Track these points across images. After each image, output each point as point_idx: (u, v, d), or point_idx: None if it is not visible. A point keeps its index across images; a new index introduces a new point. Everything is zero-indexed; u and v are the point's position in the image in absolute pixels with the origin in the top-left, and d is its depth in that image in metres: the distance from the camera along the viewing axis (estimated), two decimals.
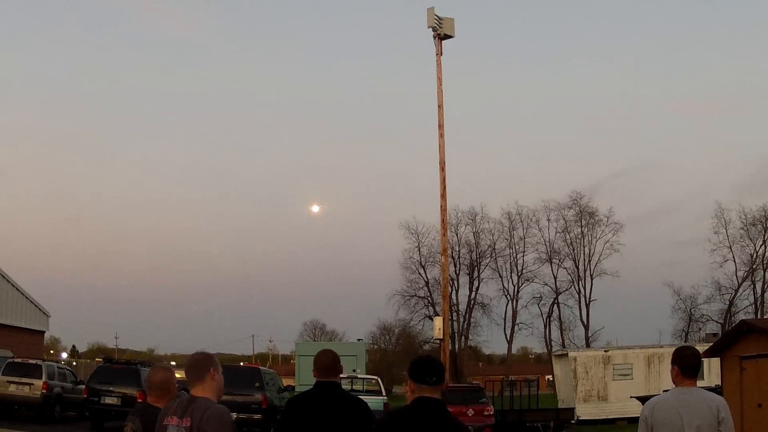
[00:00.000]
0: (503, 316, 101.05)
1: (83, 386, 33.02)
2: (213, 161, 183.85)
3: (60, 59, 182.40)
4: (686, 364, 7.27)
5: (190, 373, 5.85)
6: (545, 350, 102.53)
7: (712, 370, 40.98)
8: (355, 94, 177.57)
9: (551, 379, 79.68)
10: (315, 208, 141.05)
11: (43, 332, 62.18)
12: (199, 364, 5.86)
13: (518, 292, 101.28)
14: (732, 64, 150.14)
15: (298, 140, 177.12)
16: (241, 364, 61.80)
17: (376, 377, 45.38)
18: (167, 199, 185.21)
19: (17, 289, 55.63)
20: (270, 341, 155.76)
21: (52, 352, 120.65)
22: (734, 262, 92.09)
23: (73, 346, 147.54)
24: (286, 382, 42.96)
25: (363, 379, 43.21)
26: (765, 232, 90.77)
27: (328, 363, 7.22)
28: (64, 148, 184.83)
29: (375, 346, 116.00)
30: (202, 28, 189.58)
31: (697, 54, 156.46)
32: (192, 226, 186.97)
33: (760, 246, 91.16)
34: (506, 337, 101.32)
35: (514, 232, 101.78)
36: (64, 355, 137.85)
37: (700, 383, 7.54)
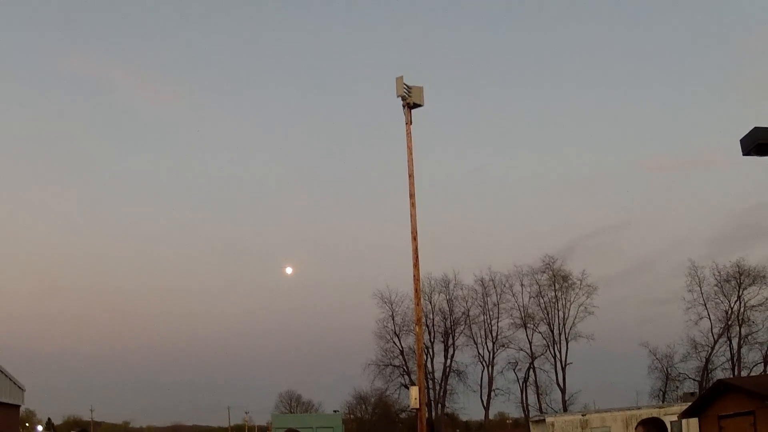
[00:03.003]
0: (479, 382, 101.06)
1: None
2: (186, 230, 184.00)
3: (34, 120, 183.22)
4: None
5: None
6: (522, 415, 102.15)
7: (690, 430, 41.02)
8: (328, 161, 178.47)
9: None
10: (288, 270, 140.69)
11: (19, 406, 61.24)
12: None
13: (494, 357, 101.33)
14: (701, 120, 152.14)
15: (272, 207, 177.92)
16: None
17: None
18: (141, 264, 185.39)
19: None
20: (246, 413, 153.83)
21: (27, 425, 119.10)
22: (709, 319, 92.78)
23: (49, 419, 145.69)
24: None
25: None
26: (739, 288, 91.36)
27: None
28: (36, 216, 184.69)
29: (351, 416, 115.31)
30: (174, 97, 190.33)
31: (665, 112, 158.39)
32: (166, 297, 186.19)
33: (735, 302, 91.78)
34: (483, 403, 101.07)
35: (488, 298, 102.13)
36: (40, 428, 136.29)
37: None
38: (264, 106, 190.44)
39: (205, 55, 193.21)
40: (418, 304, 34.07)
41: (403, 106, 34.82)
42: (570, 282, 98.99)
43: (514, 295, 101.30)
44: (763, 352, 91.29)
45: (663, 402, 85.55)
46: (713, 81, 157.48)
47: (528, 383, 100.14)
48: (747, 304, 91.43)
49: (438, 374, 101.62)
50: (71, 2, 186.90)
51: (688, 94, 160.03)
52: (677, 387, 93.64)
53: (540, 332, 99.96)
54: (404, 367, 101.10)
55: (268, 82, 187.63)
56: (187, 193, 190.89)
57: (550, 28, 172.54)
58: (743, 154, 14.97)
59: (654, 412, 53.19)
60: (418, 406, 33.75)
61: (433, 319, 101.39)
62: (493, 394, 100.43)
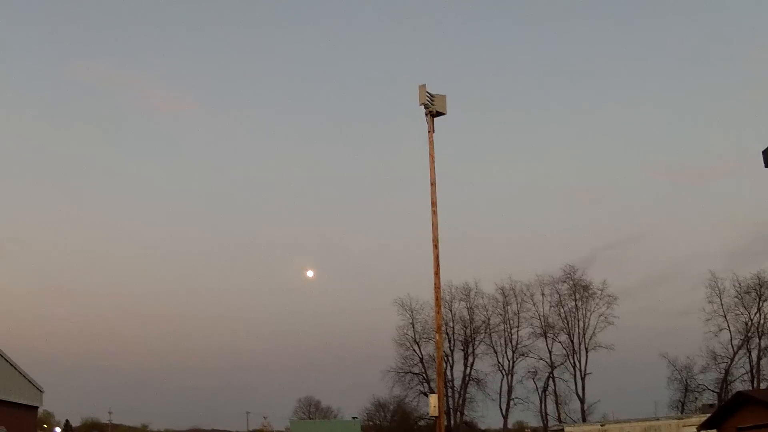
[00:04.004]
0: (498, 391, 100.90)
1: None
2: (207, 233, 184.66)
3: (54, 126, 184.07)
4: None
5: None
6: (541, 424, 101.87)
7: None
8: (350, 168, 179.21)
9: None
10: (310, 273, 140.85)
11: (37, 408, 61.59)
12: None
13: (513, 366, 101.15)
14: (722, 131, 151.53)
15: (294, 213, 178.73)
16: None
17: None
18: (161, 275, 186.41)
19: (11, 364, 55.23)
20: (264, 418, 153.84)
21: (45, 426, 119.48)
22: (729, 330, 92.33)
23: (67, 421, 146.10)
24: None
25: None
26: (759, 299, 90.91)
27: None
28: (58, 222, 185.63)
29: (370, 423, 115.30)
30: (194, 103, 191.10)
31: (685, 122, 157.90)
32: (186, 300, 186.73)
33: (755, 314, 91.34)
34: (502, 412, 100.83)
35: (509, 307, 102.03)
36: (58, 429, 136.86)
37: None
38: (287, 112, 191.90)
39: (226, 58, 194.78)
40: (438, 312, 34.06)
41: (426, 114, 34.87)
42: (590, 292, 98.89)
43: (534, 305, 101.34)
44: None
45: (682, 413, 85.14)
46: (735, 92, 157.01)
47: (547, 392, 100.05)
48: (767, 316, 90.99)
49: (457, 382, 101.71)
50: (91, 10, 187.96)
51: (709, 105, 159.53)
52: (696, 398, 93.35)
53: (560, 342, 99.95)
54: (423, 375, 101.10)
55: (291, 89, 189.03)
56: (208, 198, 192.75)
57: (570, 38, 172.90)
58: (765, 166, 15.00)
59: (673, 424, 53.05)
60: (437, 414, 33.71)
61: (453, 327, 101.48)
62: (512, 402, 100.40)
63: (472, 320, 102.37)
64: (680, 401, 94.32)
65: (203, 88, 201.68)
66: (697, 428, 42.76)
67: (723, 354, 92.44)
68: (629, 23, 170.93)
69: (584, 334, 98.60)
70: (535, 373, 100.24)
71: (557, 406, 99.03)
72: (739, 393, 32.32)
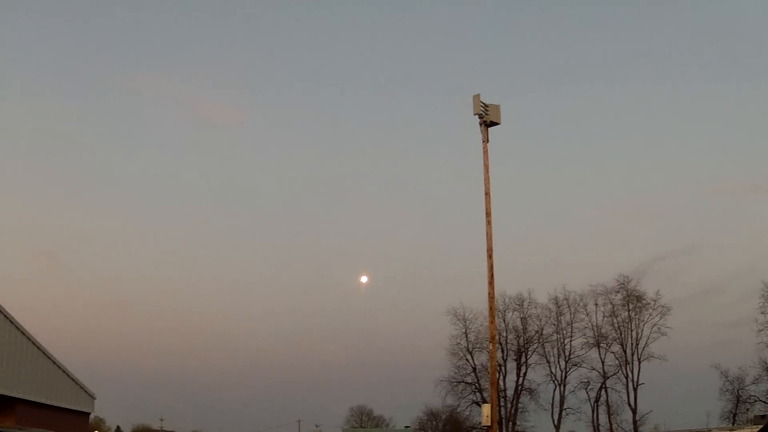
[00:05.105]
0: (551, 401, 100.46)
1: None
2: (260, 248, 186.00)
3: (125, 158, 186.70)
4: None
5: None
6: None
7: None
8: (404, 177, 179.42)
9: None
10: (363, 279, 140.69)
11: (88, 413, 62.36)
12: None
13: (566, 376, 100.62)
14: None
15: (348, 222, 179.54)
16: None
17: None
18: (213, 281, 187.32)
19: (63, 370, 56.02)
20: (316, 426, 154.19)
21: None
22: None
23: (118, 427, 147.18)
24: None
25: None
26: None
27: None
28: (113, 234, 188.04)
29: None
30: (245, 115, 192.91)
31: (740, 134, 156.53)
32: (238, 310, 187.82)
33: None
34: (554, 422, 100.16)
35: (562, 317, 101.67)
36: None
37: None
38: (337, 122, 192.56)
39: (280, 70, 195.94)
40: (492, 321, 34.00)
41: (480, 124, 34.85)
42: (644, 302, 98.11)
43: (587, 315, 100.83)
44: None
45: (733, 424, 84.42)
46: None
47: (599, 403, 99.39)
48: None
49: (510, 392, 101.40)
50: (140, 22, 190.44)
51: (764, 117, 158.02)
52: (748, 409, 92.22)
53: (612, 352, 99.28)
54: (476, 385, 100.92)
55: (343, 99, 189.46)
56: (259, 211, 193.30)
57: (626, 50, 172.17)
58: None
59: None
60: (489, 424, 33.64)
61: (506, 337, 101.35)
62: (564, 413, 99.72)
63: (525, 330, 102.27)
64: (731, 412, 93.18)
65: (256, 99, 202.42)
66: None
67: None
68: (683, 35, 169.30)
69: (637, 345, 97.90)
70: (588, 383, 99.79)
71: (609, 417, 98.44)
72: None
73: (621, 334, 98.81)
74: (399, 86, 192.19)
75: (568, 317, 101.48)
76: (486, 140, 34.82)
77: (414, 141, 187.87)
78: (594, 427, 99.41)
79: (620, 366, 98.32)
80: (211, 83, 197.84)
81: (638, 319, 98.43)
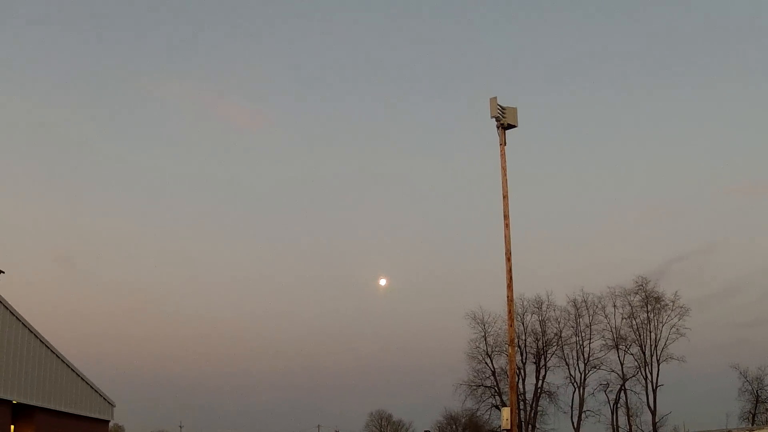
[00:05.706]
0: (570, 404, 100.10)
1: None
2: (279, 252, 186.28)
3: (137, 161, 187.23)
4: None
5: None
6: None
7: None
8: (421, 181, 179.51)
9: None
10: (382, 282, 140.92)
11: (108, 421, 62.45)
12: None
13: (585, 379, 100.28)
14: None
15: (366, 226, 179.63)
16: None
17: None
18: (231, 284, 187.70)
19: (82, 378, 56.10)
20: (336, 431, 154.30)
21: None
22: None
23: None
24: None
25: None
26: None
27: None
28: (131, 238, 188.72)
29: None
30: (269, 123, 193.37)
31: (759, 134, 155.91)
32: (257, 313, 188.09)
33: None
34: (573, 425, 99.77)
35: (580, 319, 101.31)
36: None
37: None
38: (359, 125, 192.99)
39: (299, 74, 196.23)
40: (511, 325, 33.89)
41: (497, 127, 34.76)
42: (663, 303, 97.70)
43: (606, 317, 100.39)
44: None
45: (753, 425, 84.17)
46: None
47: (619, 405, 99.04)
48: None
49: (529, 395, 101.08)
50: (173, 31, 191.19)
51: None
52: (767, 409, 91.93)
53: (631, 354, 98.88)
54: (496, 388, 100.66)
55: (362, 104, 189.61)
56: (280, 214, 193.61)
57: (641, 52, 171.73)
58: None
59: None
60: (509, 427, 33.54)
61: (525, 340, 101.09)
62: (583, 415, 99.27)
63: (544, 333, 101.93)
64: (751, 412, 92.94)
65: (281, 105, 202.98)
66: None
67: None
68: (700, 36, 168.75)
69: (656, 346, 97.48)
70: (607, 385, 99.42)
71: (628, 419, 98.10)
72: None
73: (640, 336, 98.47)
74: (417, 89, 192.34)
75: (586, 319, 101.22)
76: (503, 143, 34.73)
77: (432, 144, 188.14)
78: (613, 429, 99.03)
79: (639, 368, 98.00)
80: (232, 88, 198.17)
81: (657, 320, 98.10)
